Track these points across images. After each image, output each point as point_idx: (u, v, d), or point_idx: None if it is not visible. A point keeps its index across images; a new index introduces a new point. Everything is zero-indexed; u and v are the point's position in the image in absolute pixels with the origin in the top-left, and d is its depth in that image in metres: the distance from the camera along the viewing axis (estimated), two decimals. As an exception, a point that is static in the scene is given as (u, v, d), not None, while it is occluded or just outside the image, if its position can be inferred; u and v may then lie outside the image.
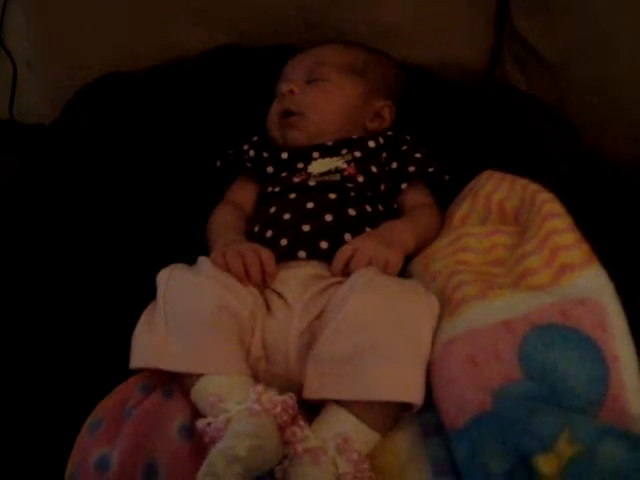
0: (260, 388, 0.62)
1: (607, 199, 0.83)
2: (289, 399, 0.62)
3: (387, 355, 0.62)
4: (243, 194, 0.91)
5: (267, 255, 0.73)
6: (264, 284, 0.73)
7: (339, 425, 0.61)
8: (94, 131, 0.93)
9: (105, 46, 1.10)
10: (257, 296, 0.72)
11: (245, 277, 0.71)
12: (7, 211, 0.82)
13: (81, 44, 1.10)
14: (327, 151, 0.89)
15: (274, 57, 1.03)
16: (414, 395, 0.62)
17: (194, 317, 0.66)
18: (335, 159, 0.87)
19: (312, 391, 0.63)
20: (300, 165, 0.88)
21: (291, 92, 0.92)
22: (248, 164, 0.91)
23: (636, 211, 0.80)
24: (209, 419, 0.61)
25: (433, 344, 0.64)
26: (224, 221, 0.85)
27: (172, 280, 0.69)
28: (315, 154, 0.88)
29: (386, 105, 0.96)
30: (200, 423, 0.61)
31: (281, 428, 0.61)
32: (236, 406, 0.61)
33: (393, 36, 1.09)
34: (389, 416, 0.63)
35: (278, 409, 0.61)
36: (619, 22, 0.99)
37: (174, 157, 0.94)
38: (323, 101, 0.92)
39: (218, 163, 0.94)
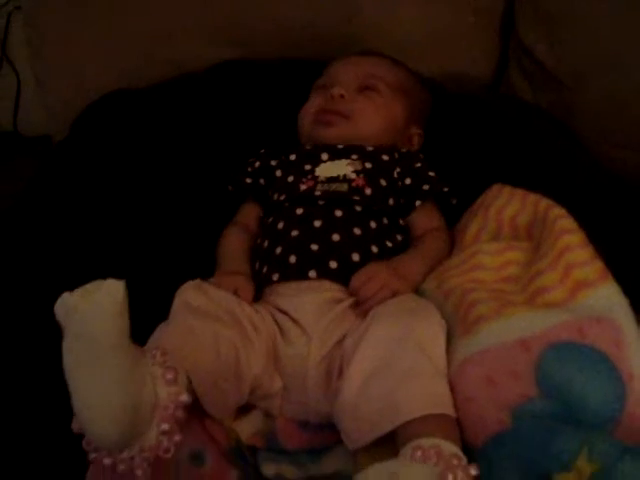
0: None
1: (617, 211, 0.84)
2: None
3: (412, 377, 0.61)
4: (250, 214, 0.91)
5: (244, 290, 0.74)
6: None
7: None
8: (103, 148, 0.93)
9: (112, 63, 1.10)
10: (270, 324, 0.72)
11: None
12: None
13: (88, 61, 1.11)
14: (336, 154, 0.88)
15: (283, 71, 1.03)
16: (447, 406, 0.60)
17: None
18: (344, 162, 0.86)
19: (354, 441, 0.62)
20: (307, 167, 0.87)
21: (342, 97, 0.92)
22: (248, 180, 0.91)
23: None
24: None
25: (449, 363, 0.64)
26: (230, 247, 0.85)
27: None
28: (324, 155, 0.88)
29: (418, 133, 0.97)
30: None
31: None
32: None
33: (400, 49, 1.08)
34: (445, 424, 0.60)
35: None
36: (626, 35, 1.00)
37: (184, 173, 0.94)
38: (372, 113, 0.92)
39: (230, 187, 0.94)
